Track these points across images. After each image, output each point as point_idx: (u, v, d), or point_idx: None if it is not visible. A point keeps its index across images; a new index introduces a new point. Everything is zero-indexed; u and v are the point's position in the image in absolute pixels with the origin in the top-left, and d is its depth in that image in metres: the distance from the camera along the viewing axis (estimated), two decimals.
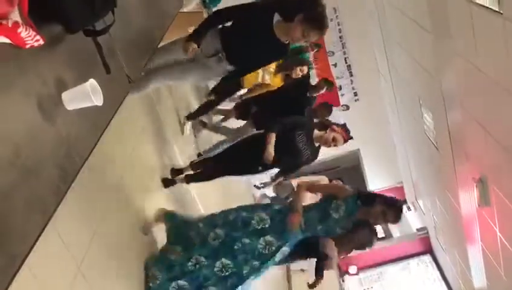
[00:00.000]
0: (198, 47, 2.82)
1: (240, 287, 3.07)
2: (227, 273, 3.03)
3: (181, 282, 3.02)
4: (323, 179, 6.80)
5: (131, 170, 3.34)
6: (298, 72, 5.31)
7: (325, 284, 8.74)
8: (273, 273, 8.10)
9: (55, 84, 1.38)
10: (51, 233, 2.11)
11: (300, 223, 3.09)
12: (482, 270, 6.03)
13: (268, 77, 5.30)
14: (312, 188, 3.42)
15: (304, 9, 2.79)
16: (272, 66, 5.30)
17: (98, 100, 1.39)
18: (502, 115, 3.36)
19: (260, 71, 5.11)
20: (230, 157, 4.13)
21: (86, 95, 1.36)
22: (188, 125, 5.18)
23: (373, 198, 3.31)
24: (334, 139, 3.98)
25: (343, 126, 4.07)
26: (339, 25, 8.56)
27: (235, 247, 3.06)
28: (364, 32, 8.52)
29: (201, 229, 3.18)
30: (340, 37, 8.69)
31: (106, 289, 2.63)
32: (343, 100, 9.28)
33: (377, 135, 9.83)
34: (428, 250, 9.61)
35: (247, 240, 3.07)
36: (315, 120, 4.75)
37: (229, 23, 2.98)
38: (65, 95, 1.38)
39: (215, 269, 3.02)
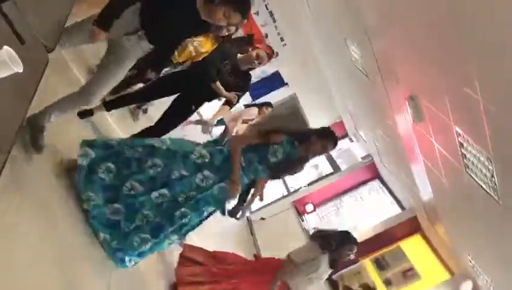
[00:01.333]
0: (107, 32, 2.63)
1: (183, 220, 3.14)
2: (163, 200, 3.08)
3: (116, 205, 3.03)
4: (253, 111, 6.90)
5: None
6: (225, 31, 5.28)
7: (287, 229, 9.03)
8: (235, 231, 8.26)
9: None
10: None
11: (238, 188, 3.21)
12: (426, 183, 6.46)
13: (198, 45, 5.22)
14: (246, 140, 3.41)
15: None
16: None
17: (17, 67, 1.33)
18: (423, 32, 3.52)
19: (189, 46, 5.01)
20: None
21: (2, 62, 1.30)
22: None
23: (307, 135, 3.44)
24: (258, 56, 4.09)
25: (267, 45, 4.21)
26: None
27: (172, 177, 3.08)
28: None
29: (140, 153, 3.11)
30: None
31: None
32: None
33: (309, 76, 10.02)
34: (376, 175, 10.11)
35: (184, 172, 3.10)
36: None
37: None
38: None
39: (152, 197, 3.05)
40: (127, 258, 3.15)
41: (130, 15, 2.71)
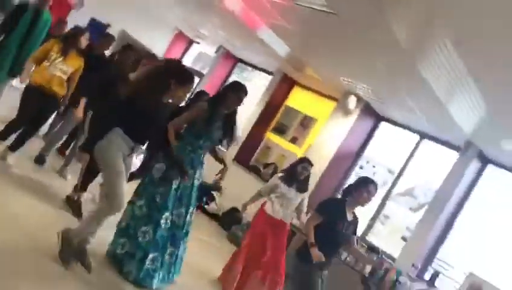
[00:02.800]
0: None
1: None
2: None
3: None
4: None
5: None
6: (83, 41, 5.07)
7: None
8: None
9: None
10: None
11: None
12: (278, 39, 6.81)
13: (63, 67, 4.80)
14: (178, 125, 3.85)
15: None
16: (56, 59, 4.76)
17: None
18: None
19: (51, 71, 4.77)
20: None
21: None
22: None
23: (223, 94, 3.90)
24: None
25: None
26: None
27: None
28: None
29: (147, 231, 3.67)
30: None
31: None
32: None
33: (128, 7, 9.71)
34: (236, 60, 10.41)
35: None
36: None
37: None
38: None
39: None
40: None
41: (120, 140, 3.19)
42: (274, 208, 4.74)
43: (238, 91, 3.85)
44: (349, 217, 3.75)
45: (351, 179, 7.50)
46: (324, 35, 5.44)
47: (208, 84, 10.09)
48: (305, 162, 4.94)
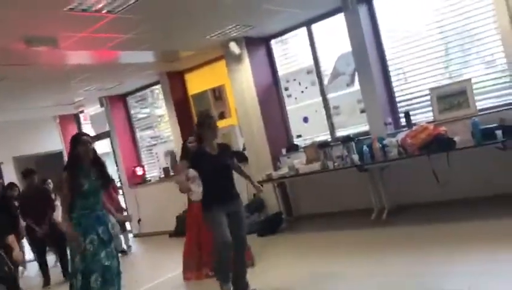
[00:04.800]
0: None
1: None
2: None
3: None
4: None
5: None
6: None
7: None
8: None
9: None
10: None
11: None
12: (136, 53, 6.58)
13: None
14: None
15: None
16: None
17: None
18: None
19: None
20: None
21: None
22: None
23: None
24: None
25: None
26: None
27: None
28: None
29: None
30: None
31: None
32: None
33: None
34: (123, 95, 10.11)
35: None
36: None
37: None
38: None
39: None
40: None
41: None
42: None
43: (79, 142, 3.97)
44: (214, 152, 4.16)
45: (288, 106, 7.52)
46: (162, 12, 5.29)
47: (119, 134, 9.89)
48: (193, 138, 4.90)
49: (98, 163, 4.09)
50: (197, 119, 4.55)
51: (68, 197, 3.89)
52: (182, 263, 5.48)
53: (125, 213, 5.48)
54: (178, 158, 5.97)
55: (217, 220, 4.01)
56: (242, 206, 4.33)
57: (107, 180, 4.18)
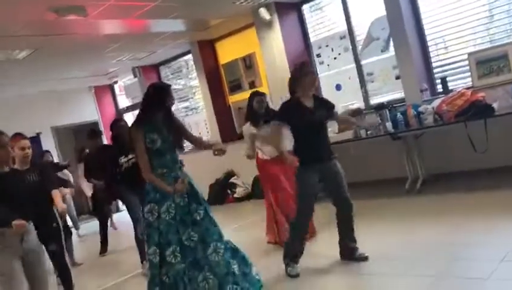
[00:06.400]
0: None
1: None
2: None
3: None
4: None
5: None
6: None
7: None
8: None
9: None
10: None
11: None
12: (166, 20, 6.54)
13: None
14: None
15: None
16: None
17: None
18: None
19: None
20: None
21: None
22: None
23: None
24: None
25: None
26: None
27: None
28: None
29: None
30: None
31: None
32: None
33: None
34: (156, 65, 10.15)
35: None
36: None
37: None
38: None
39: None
40: None
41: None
42: (265, 151, 4.73)
43: (159, 94, 3.53)
44: (309, 104, 3.79)
45: (321, 73, 7.34)
46: None
47: None
48: (255, 96, 4.90)
49: (170, 116, 3.61)
50: (291, 72, 4.06)
51: (144, 155, 3.44)
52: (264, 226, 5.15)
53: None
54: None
55: (308, 182, 3.71)
56: (340, 166, 3.88)
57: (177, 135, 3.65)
